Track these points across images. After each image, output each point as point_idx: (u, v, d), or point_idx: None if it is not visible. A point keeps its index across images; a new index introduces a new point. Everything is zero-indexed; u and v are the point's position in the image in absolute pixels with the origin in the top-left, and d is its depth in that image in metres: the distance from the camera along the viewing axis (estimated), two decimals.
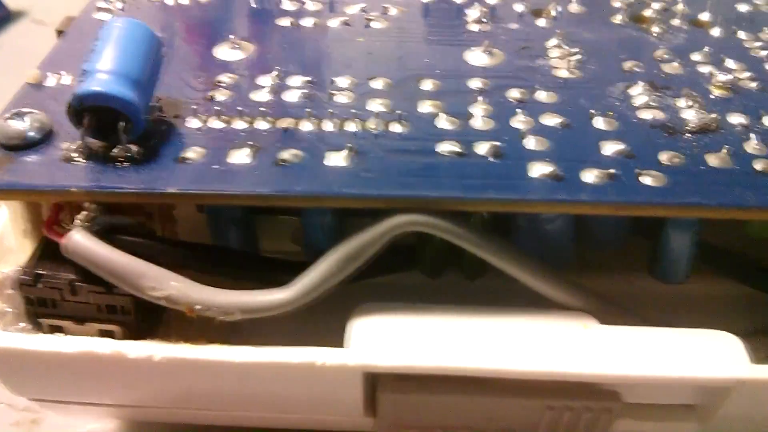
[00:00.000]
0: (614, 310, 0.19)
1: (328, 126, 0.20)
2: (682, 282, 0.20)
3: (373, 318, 0.18)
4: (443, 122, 0.20)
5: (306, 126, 0.20)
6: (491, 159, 0.19)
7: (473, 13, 0.25)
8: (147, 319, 0.19)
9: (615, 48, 0.23)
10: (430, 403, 0.18)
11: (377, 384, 0.18)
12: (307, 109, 0.20)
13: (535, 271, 0.18)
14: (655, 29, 0.24)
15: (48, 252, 0.19)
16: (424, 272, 0.21)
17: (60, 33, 0.24)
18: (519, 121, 0.20)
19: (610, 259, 0.21)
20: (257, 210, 0.21)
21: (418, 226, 0.18)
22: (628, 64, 0.22)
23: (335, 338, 0.18)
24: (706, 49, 0.23)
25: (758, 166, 0.18)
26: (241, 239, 0.20)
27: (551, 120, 0.20)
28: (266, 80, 0.21)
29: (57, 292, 0.18)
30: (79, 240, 0.18)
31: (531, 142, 0.19)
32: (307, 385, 0.18)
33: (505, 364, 0.17)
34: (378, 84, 0.21)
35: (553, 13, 0.25)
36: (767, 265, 0.21)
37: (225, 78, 0.21)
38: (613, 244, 0.21)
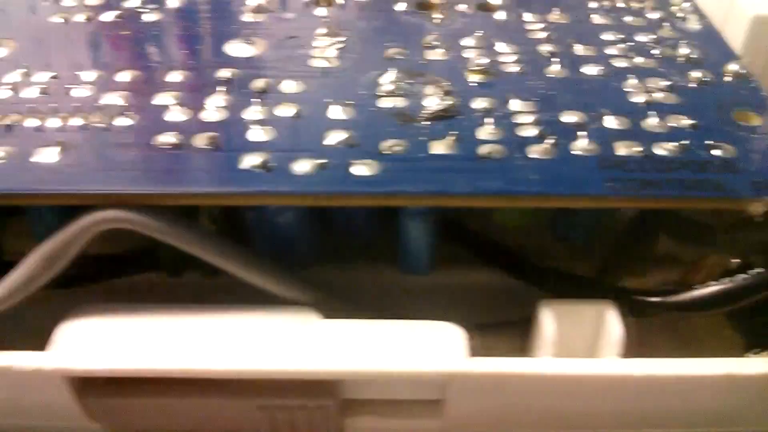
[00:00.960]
0: (339, 304, 0.18)
1: (53, 121, 0.19)
2: (425, 273, 0.20)
3: (80, 320, 0.17)
4: (174, 114, 0.19)
5: (30, 122, 0.19)
6: (207, 151, 0.18)
7: (252, 2, 0.24)
8: None
9: (384, 36, 0.22)
10: (141, 407, 0.17)
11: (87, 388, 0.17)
12: (30, 105, 0.19)
13: (244, 264, 0.17)
14: (437, 15, 0.23)
15: None
16: (165, 271, 0.20)
17: None
18: (252, 112, 0.19)
19: (363, 251, 0.21)
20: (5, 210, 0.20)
21: (111, 223, 0.17)
22: (390, 52, 0.22)
23: None
24: (478, 33, 0.22)
25: (482, 151, 0.18)
26: None
27: (286, 110, 0.19)
28: (13, 77, 0.21)
29: None
30: None
31: (255, 133, 0.18)
32: (14, 390, 0.17)
33: (205, 363, 0.16)
34: (125, 77, 0.21)
35: (340, 1, 0.24)
36: (524, 253, 0.20)
37: None
38: (363, 235, 0.20)
